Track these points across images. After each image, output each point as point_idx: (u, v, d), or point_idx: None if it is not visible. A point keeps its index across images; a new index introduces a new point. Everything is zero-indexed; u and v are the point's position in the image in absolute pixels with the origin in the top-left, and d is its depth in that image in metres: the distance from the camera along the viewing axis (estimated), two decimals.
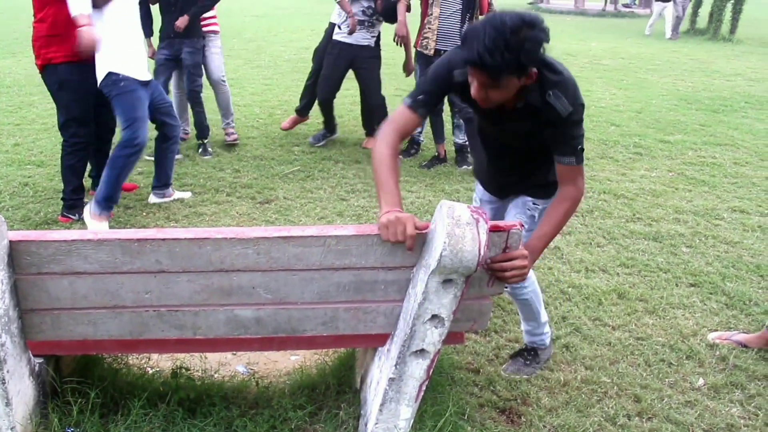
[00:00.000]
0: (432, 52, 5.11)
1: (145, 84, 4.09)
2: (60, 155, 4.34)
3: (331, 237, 1.85)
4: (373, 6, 5.44)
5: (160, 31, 5.52)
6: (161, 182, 4.54)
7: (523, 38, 1.88)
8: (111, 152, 4.14)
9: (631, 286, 3.56)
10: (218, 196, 4.71)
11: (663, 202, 4.84)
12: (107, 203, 4.01)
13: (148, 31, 5.63)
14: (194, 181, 4.97)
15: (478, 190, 2.81)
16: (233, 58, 10.53)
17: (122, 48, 3.95)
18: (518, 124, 2.27)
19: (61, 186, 4.45)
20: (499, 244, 1.88)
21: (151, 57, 5.55)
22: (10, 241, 1.87)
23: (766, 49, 13.95)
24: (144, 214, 4.41)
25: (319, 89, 5.78)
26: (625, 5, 23.62)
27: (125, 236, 1.89)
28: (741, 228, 4.44)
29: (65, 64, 3.98)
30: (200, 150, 5.65)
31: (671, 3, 15.58)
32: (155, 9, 5.52)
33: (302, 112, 6.21)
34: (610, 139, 6.45)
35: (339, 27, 5.56)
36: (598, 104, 7.97)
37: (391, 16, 5.50)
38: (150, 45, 5.69)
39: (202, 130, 5.68)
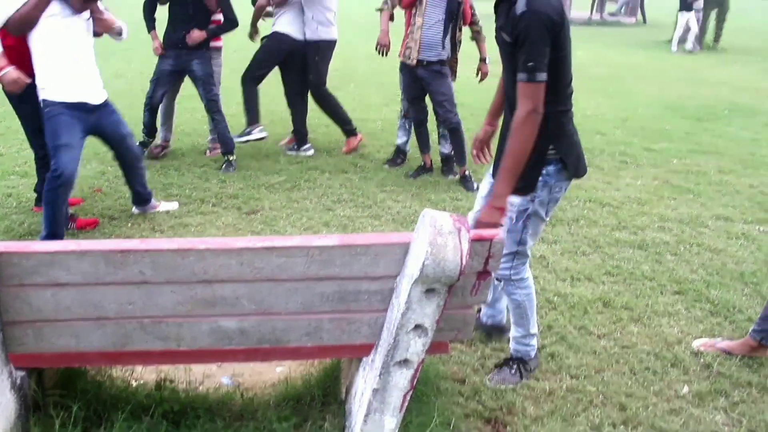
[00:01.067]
0: (414, 62, 5.13)
1: (86, 109, 3.94)
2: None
3: (315, 247, 1.86)
4: None
5: (165, 37, 5.40)
6: (136, 199, 4.49)
7: None
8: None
9: (616, 295, 3.59)
10: (204, 206, 4.70)
11: (648, 211, 4.89)
12: (53, 239, 3.90)
13: (151, 23, 5.48)
14: (180, 191, 4.97)
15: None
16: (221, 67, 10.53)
17: (53, 71, 3.83)
18: (503, 35, 2.47)
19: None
20: (482, 253, 1.90)
21: (159, 51, 5.40)
22: None
23: (750, 57, 14.13)
24: (129, 225, 4.40)
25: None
26: (611, 14, 23.82)
27: (108, 247, 1.89)
28: (725, 236, 4.49)
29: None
30: (224, 166, 5.45)
31: (692, 12, 15.27)
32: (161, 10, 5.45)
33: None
34: (596, 147, 6.50)
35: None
36: (584, 113, 8.02)
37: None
38: (155, 37, 5.46)
39: (226, 143, 5.49)
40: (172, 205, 4.65)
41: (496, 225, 2.43)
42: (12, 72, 3.79)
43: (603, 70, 11.72)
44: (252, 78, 5.94)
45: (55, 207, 3.88)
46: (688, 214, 4.85)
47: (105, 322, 1.97)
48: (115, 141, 4.20)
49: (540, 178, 2.59)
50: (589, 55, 13.56)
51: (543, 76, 2.38)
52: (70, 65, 3.87)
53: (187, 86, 5.75)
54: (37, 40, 3.79)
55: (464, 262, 1.73)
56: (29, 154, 5.73)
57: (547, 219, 2.74)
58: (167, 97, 5.78)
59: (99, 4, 4.04)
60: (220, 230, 4.32)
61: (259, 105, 5.98)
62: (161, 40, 5.46)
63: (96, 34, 4.13)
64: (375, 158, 5.96)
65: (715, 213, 4.89)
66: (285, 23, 5.77)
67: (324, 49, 5.79)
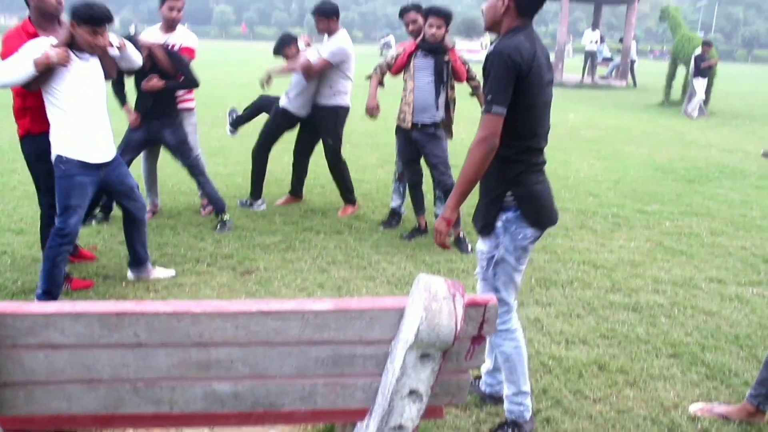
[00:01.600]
0: (409, 125, 5.22)
1: (97, 166, 3.95)
2: (39, 224, 4.34)
3: (310, 311, 1.87)
4: None
5: (136, 109, 5.28)
6: (134, 261, 4.44)
7: None
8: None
9: (611, 358, 3.58)
10: (199, 266, 4.71)
11: (642, 272, 4.91)
12: (46, 297, 3.91)
13: (123, 99, 5.32)
14: (175, 250, 4.98)
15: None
16: (216, 126, 10.65)
17: (70, 128, 3.82)
18: None
19: (40, 254, 4.43)
20: (477, 317, 1.91)
21: (137, 123, 5.24)
22: None
23: (737, 121, 14.40)
24: (123, 284, 4.39)
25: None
26: (602, 77, 24.33)
27: (103, 309, 1.89)
28: (719, 298, 4.50)
29: (44, 134, 3.94)
30: (218, 226, 5.45)
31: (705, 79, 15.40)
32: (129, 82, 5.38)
33: (295, 192, 6.46)
34: (588, 209, 6.57)
35: (287, 95, 5.99)
36: (576, 175, 8.14)
37: None
38: (129, 110, 5.30)
39: (217, 203, 5.47)
40: (168, 272, 4.54)
41: (440, 233, 2.74)
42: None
43: (595, 132, 11.92)
44: (263, 148, 6.33)
45: (55, 264, 3.89)
46: (681, 276, 4.87)
47: (98, 384, 1.96)
48: (123, 194, 4.22)
49: (500, 223, 2.73)
50: (580, 117, 13.81)
51: (499, 109, 2.55)
52: (87, 121, 3.87)
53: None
54: (52, 93, 3.78)
55: (459, 327, 1.74)
56: (26, 211, 5.79)
57: (520, 267, 2.81)
58: (148, 163, 5.77)
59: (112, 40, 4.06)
60: (214, 290, 4.31)
61: (264, 180, 6.25)
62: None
63: (107, 76, 4.12)
64: (370, 219, 6.00)
65: (709, 275, 4.92)
66: (297, 103, 6.06)
67: (342, 115, 6.05)
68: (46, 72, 3.68)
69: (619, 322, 4.03)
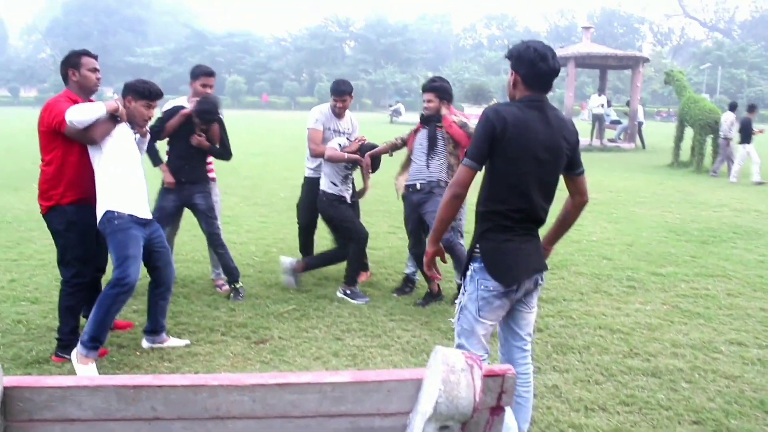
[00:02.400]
0: (407, 189, 5.45)
1: (143, 223, 4.15)
2: (58, 294, 4.37)
3: (327, 384, 1.86)
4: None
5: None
6: (153, 328, 4.47)
7: None
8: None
9: (632, 425, 3.50)
10: (213, 335, 4.70)
11: (659, 336, 4.84)
12: (93, 344, 3.96)
13: (158, 160, 5.42)
14: (189, 320, 4.98)
15: None
16: (230, 195, 10.79)
17: (120, 185, 4.04)
18: None
19: (55, 324, 4.46)
20: (495, 388, 1.89)
21: (170, 183, 5.34)
22: (4, 387, 1.86)
23: (748, 180, 14.40)
24: (137, 353, 4.38)
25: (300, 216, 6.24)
26: (611, 140, 24.52)
27: (121, 382, 1.89)
28: (740, 361, 4.42)
29: (73, 204, 4.13)
30: (232, 295, 5.48)
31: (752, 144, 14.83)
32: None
33: None
34: (602, 273, 6.54)
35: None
36: (589, 238, 8.13)
37: (374, 164, 5.75)
38: (165, 170, 5.38)
39: (232, 273, 5.52)
40: (182, 342, 4.54)
41: (425, 264, 3.15)
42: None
43: (605, 195, 11.95)
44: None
45: (108, 313, 3.97)
46: (700, 339, 4.80)
47: None
48: (161, 258, 4.33)
49: (469, 272, 2.99)
50: (591, 180, 13.78)
51: (470, 162, 2.83)
52: (136, 180, 4.14)
53: (191, 215, 5.85)
54: (105, 155, 4.02)
55: (478, 399, 1.72)
56: (41, 280, 5.84)
57: (482, 320, 2.95)
58: (168, 233, 5.81)
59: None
60: (228, 360, 4.29)
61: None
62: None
63: None
64: (383, 286, 5.99)
65: (728, 338, 4.85)
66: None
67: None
68: (108, 125, 4.01)
69: (638, 388, 3.96)
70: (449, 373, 1.72)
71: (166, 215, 5.39)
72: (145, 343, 4.49)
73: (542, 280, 3.08)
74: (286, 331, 4.81)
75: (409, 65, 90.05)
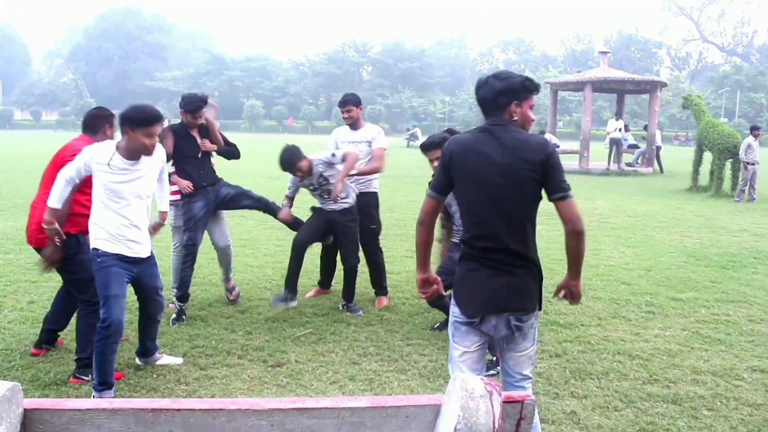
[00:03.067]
0: None
1: (131, 261, 4.07)
2: (76, 316, 4.41)
3: (345, 408, 1.85)
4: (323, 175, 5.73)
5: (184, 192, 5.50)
6: (143, 351, 4.56)
7: None
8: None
9: None
10: (230, 358, 4.70)
11: (680, 362, 4.78)
12: (103, 386, 3.98)
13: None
14: (206, 342, 4.99)
15: None
16: (246, 218, 10.85)
17: (109, 223, 3.96)
18: None
19: (73, 345, 4.50)
20: (514, 415, 1.88)
21: (190, 188, 5.47)
22: (24, 409, 1.88)
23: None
24: (154, 375, 4.40)
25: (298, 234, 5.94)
26: (628, 164, 24.43)
27: (140, 406, 1.90)
28: (763, 389, 4.35)
29: (82, 233, 4.24)
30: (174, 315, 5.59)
31: None
32: None
33: (324, 285, 6.52)
34: (621, 298, 6.48)
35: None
36: (607, 263, 8.07)
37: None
38: (179, 179, 5.51)
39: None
40: (176, 360, 4.63)
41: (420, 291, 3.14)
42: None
43: (623, 219, 11.88)
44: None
45: (105, 357, 3.95)
46: (721, 365, 4.74)
47: None
48: (149, 293, 4.34)
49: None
50: (608, 204, 13.80)
51: (430, 192, 2.96)
52: (131, 217, 4.02)
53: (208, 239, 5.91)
54: (98, 191, 3.97)
55: (497, 426, 1.71)
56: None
57: (455, 344, 2.98)
58: (177, 255, 5.89)
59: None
60: (245, 383, 4.28)
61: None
62: (191, 195, 5.55)
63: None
64: (400, 311, 5.98)
65: (750, 365, 4.78)
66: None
67: (377, 198, 6.28)
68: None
69: (658, 416, 3.91)
70: (468, 399, 1.71)
71: (200, 222, 5.58)
72: (138, 361, 4.59)
73: (520, 321, 2.89)
74: (302, 354, 4.80)
75: (426, 90, 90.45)
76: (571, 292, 3.03)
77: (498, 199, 2.81)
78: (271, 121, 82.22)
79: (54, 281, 6.58)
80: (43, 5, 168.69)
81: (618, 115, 25.29)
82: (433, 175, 3.04)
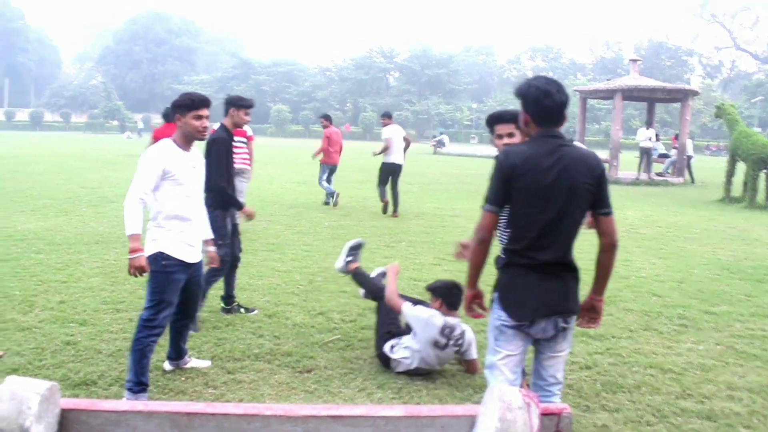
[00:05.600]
0: None
1: (188, 266, 4.16)
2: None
3: (380, 417, 1.85)
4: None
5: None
6: (176, 355, 4.59)
7: None
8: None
9: None
10: (258, 363, 4.72)
11: (714, 378, 4.70)
12: (139, 387, 4.02)
13: (238, 203, 5.65)
14: (233, 346, 5.01)
15: None
16: (273, 223, 10.92)
17: (175, 228, 4.06)
18: None
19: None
20: (551, 427, 1.86)
21: (251, 214, 5.73)
22: (62, 409, 1.90)
23: None
24: (183, 378, 4.43)
25: None
26: (659, 174, 24.16)
27: (175, 409, 1.91)
28: None
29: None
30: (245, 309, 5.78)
31: None
32: None
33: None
34: (652, 310, 6.40)
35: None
36: (638, 274, 7.98)
37: None
38: (246, 212, 5.73)
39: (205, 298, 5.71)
40: (204, 363, 4.65)
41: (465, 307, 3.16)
42: (142, 258, 3.93)
43: (654, 230, 11.74)
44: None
45: (144, 355, 4.02)
46: (758, 382, 4.65)
47: None
48: (191, 295, 4.38)
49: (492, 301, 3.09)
50: (639, 215, 13.65)
51: (487, 207, 2.92)
52: (192, 223, 4.15)
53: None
54: (163, 192, 4.04)
55: None
56: (90, 302, 5.96)
57: (498, 349, 3.01)
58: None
59: None
60: (273, 389, 4.30)
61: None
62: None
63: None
64: None
65: None
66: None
67: None
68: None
69: (692, 431, 3.85)
70: (506, 410, 1.70)
71: (228, 236, 5.58)
72: (167, 366, 4.60)
73: (566, 323, 3.01)
74: (331, 360, 4.81)
75: (453, 96, 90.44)
76: (595, 310, 3.13)
77: (562, 214, 2.88)
78: (297, 126, 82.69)
79: (84, 282, 6.68)
80: (75, 9, 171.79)
81: (648, 123, 25.07)
82: (488, 188, 2.96)
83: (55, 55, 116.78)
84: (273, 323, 5.60)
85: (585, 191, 2.88)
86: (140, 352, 4.00)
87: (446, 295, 4.73)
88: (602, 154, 30.19)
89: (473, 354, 4.66)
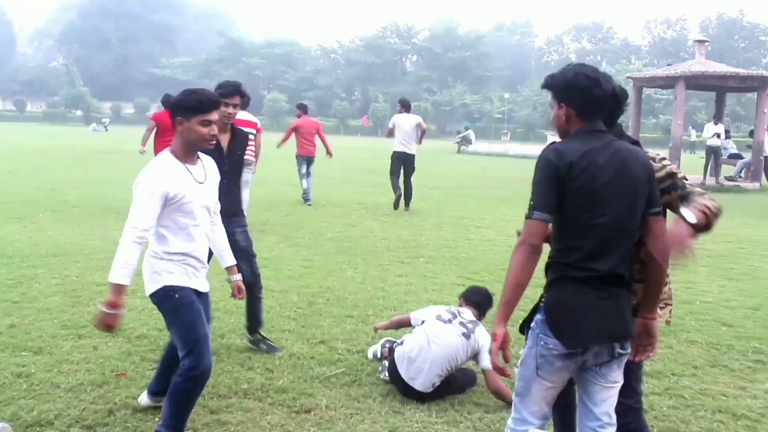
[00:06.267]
0: None
1: (200, 295, 4.01)
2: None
3: None
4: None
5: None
6: (161, 389, 4.45)
7: None
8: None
9: None
10: (246, 401, 4.73)
11: None
12: None
13: None
14: (218, 380, 5.02)
15: None
16: (267, 234, 10.95)
17: (180, 261, 3.90)
18: None
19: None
20: None
21: None
22: None
23: None
24: (156, 418, 4.43)
25: None
26: (729, 178, 24.02)
27: None
28: None
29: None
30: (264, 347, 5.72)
31: None
32: None
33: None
34: (721, 342, 6.36)
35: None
36: (703, 299, 7.94)
37: None
38: None
39: (260, 323, 5.81)
40: None
41: (493, 351, 3.03)
42: (117, 317, 3.73)
43: (723, 245, 11.66)
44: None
45: (186, 407, 3.96)
46: None
47: None
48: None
49: (533, 324, 3.08)
50: None
51: (538, 214, 2.89)
52: (196, 241, 3.97)
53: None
54: (167, 217, 3.85)
55: None
56: (46, 326, 5.99)
57: (542, 380, 3.03)
58: None
59: None
60: None
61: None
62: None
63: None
64: None
65: None
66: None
67: None
68: None
69: None
70: None
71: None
72: (144, 400, 4.57)
73: (623, 349, 3.08)
74: (333, 399, 4.81)
75: (481, 84, 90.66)
76: (650, 334, 3.19)
77: (623, 219, 2.95)
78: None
79: (39, 302, 6.72)
80: None
81: (717, 118, 24.97)
82: (534, 193, 2.93)
83: (7, 32, 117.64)
84: (265, 353, 5.60)
85: (644, 194, 2.97)
86: (184, 405, 3.93)
87: (481, 304, 5.21)
88: (661, 155, 30.16)
89: (486, 361, 4.76)
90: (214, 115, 3.89)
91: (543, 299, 3.08)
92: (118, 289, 3.67)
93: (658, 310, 3.31)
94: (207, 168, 4.08)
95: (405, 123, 14.38)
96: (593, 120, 2.99)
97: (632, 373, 3.37)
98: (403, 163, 14.22)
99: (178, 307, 3.90)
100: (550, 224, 2.98)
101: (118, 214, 11.85)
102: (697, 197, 3.14)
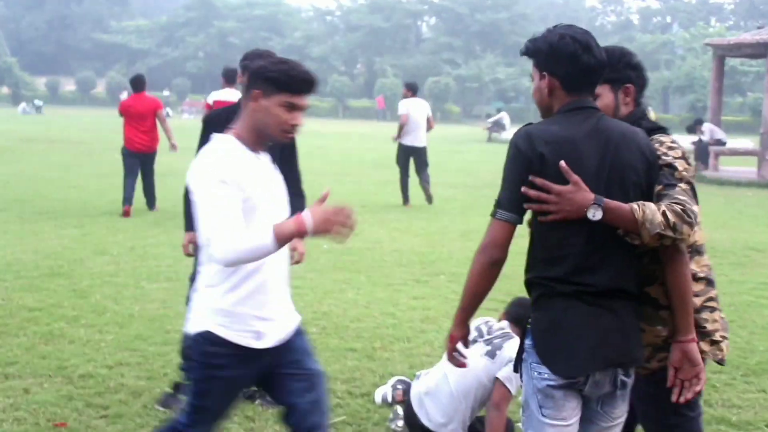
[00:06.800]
0: None
1: (259, 354, 3.58)
2: None
3: None
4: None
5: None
6: None
7: None
8: None
9: None
10: None
11: None
12: None
13: (191, 224, 5.42)
14: None
15: None
16: None
17: (243, 288, 3.51)
18: None
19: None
20: None
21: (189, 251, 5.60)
22: None
23: None
24: None
25: None
26: None
27: None
28: None
29: None
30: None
31: None
32: None
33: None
34: None
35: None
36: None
37: None
38: (192, 239, 5.47)
39: None
40: None
41: (447, 352, 3.35)
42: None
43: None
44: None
45: None
46: None
47: None
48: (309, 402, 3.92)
49: (524, 355, 3.12)
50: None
51: (502, 213, 2.99)
52: (270, 274, 3.68)
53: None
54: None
55: None
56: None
57: (545, 420, 3.02)
58: None
59: None
60: None
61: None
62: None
63: None
64: None
65: None
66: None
67: None
68: None
69: None
70: None
71: None
72: None
73: (627, 376, 3.09)
74: None
75: (517, 55, 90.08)
76: (690, 361, 3.15)
77: (605, 228, 2.94)
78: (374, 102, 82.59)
79: (5, 309, 6.71)
80: None
81: None
82: (502, 187, 3.03)
83: None
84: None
85: (642, 181, 3.01)
86: None
87: (523, 319, 5.07)
88: (745, 142, 29.91)
89: (502, 372, 4.68)
90: (305, 101, 3.57)
91: (529, 322, 3.13)
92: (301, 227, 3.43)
93: (708, 345, 3.31)
94: (269, 162, 3.74)
95: (415, 110, 14.99)
96: (581, 94, 3.02)
97: (688, 423, 3.40)
98: (412, 157, 14.88)
99: (200, 362, 3.60)
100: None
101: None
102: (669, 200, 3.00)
